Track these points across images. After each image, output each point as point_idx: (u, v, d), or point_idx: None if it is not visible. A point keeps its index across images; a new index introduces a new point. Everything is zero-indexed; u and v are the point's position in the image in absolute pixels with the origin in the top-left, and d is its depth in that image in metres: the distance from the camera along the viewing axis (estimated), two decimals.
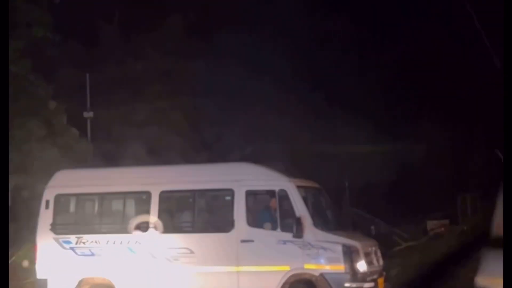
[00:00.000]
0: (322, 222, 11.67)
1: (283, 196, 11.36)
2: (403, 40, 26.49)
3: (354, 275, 10.88)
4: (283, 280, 11.07)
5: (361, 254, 11.07)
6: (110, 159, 17.75)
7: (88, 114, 19.50)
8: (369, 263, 11.35)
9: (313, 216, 11.34)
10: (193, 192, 12.18)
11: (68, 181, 12.72)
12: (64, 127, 15.22)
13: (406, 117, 26.50)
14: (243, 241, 11.38)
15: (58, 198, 12.64)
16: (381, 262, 12.07)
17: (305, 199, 11.54)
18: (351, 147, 24.03)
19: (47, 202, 12.62)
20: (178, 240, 11.86)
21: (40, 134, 14.91)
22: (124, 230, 12.15)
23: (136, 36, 25.53)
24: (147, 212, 11.99)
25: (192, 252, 11.67)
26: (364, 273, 11.04)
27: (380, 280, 11.66)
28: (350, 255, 10.90)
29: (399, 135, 24.93)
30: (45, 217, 12.58)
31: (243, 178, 11.75)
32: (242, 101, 23.07)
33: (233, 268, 11.36)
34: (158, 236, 11.86)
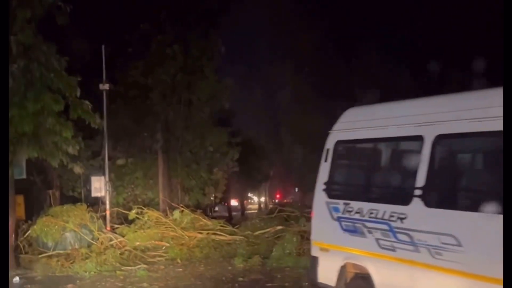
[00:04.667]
0: None
1: None
2: None
3: None
4: None
5: None
6: None
7: (104, 86, 19.10)
8: None
9: None
10: (470, 138, 7.28)
11: (352, 123, 9.16)
12: (77, 101, 14.81)
13: None
14: None
15: (337, 146, 9.31)
16: None
17: None
18: None
19: (327, 152, 9.39)
20: (444, 221, 7.21)
21: (56, 109, 14.49)
22: (387, 197, 8.44)
23: None
24: (415, 169, 7.68)
25: (459, 244, 6.94)
26: None
27: None
28: None
29: None
30: (322, 173, 9.40)
31: None
32: None
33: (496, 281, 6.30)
34: (423, 212, 7.53)
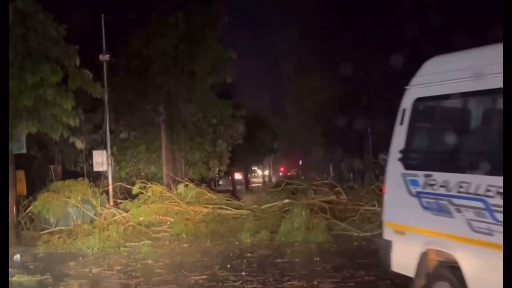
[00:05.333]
0: None
1: None
2: None
3: None
4: None
5: None
6: None
7: (104, 57, 18.55)
8: None
9: None
10: None
11: (436, 75, 7.39)
12: (76, 70, 14.30)
13: None
14: None
15: (417, 105, 7.68)
16: None
17: None
18: None
19: (403, 112, 7.77)
20: None
21: (54, 80, 13.98)
22: (482, 167, 6.63)
23: None
24: None
25: None
26: None
27: None
28: None
29: None
30: (398, 139, 7.81)
31: None
32: None
33: None
34: None
